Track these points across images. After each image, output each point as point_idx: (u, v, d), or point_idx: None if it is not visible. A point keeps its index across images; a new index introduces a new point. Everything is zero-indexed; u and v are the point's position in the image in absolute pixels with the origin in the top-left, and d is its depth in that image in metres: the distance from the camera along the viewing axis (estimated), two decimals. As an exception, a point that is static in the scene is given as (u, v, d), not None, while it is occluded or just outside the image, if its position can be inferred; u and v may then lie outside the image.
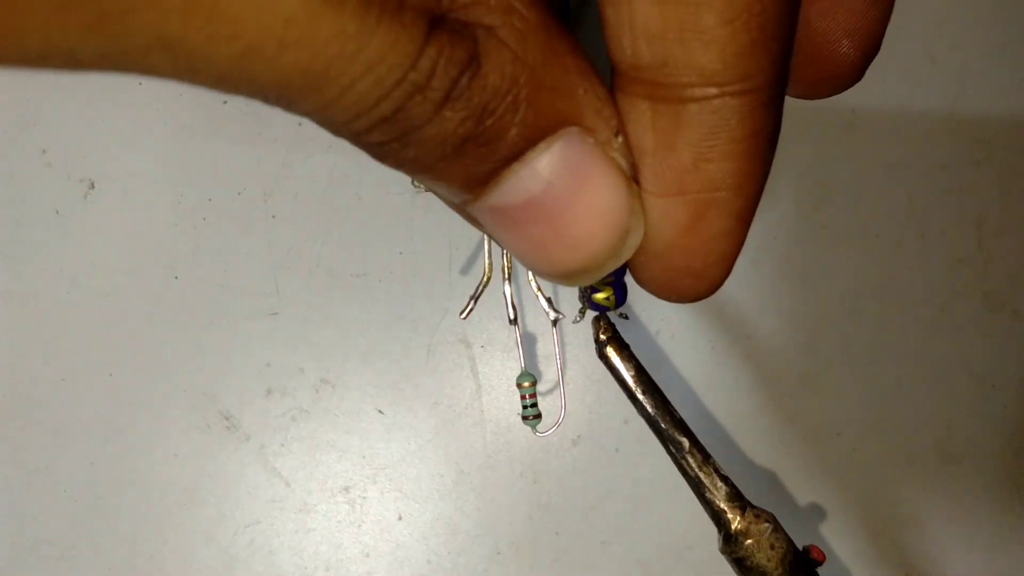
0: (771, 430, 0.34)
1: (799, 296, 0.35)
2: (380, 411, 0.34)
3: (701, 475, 0.25)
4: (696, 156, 0.14)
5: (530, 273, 0.24)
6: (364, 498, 0.34)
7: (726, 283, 0.36)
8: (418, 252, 0.34)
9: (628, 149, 0.15)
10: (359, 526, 0.33)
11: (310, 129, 0.36)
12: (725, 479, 0.25)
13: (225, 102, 0.33)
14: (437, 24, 0.12)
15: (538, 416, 0.27)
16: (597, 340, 0.25)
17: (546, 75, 0.13)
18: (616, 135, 0.15)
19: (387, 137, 0.13)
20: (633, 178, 0.15)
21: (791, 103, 0.36)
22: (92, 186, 0.33)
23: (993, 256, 0.35)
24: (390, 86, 0.12)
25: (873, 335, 0.35)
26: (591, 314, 0.24)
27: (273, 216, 0.34)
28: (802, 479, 0.34)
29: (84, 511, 0.33)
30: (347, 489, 0.33)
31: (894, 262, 0.35)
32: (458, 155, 0.13)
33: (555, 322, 0.24)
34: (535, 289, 0.23)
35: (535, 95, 0.13)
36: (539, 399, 0.33)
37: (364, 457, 0.34)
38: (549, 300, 0.23)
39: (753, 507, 0.25)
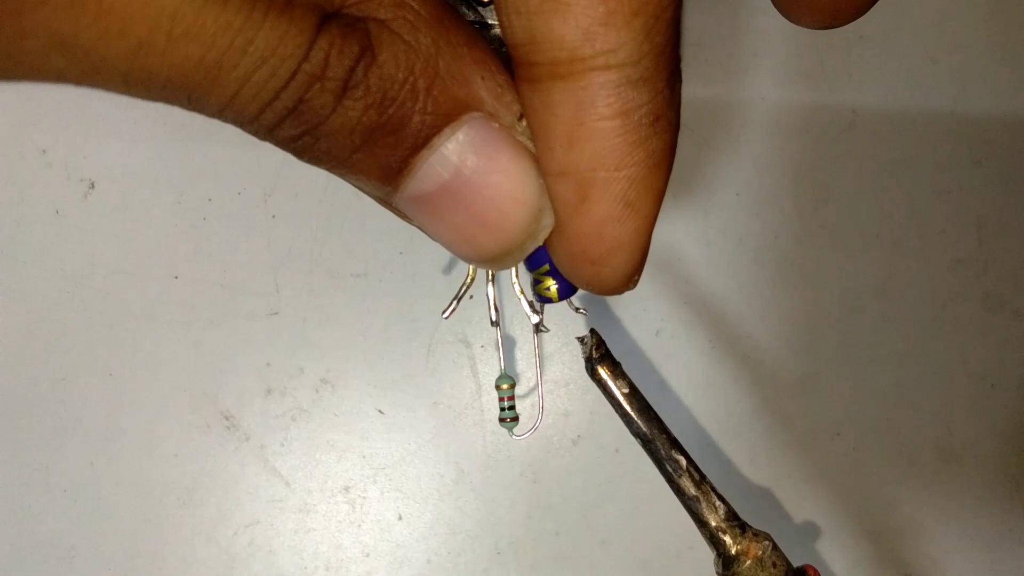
0: (771, 430, 0.34)
1: (799, 296, 0.35)
2: (380, 411, 0.34)
3: (699, 495, 0.24)
4: (569, 135, 0.15)
5: (513, 275, 0.23)
6: (364, 498, 0.34)
7: (726, 283, 0.36)
8: (418, 252, 0.34)
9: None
10: (359, 526, 0.33)
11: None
12: (722, 499, 0.24)
13: (225, 102, 0.33)
14: (328, 19, 0.13)
15: (515, 419, 0.27)
16: (589, 358, 0.24)
17: (442, 64, 0.14)
18: (520, 119, 0.15)
19: (297, 131, 0.14)
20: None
21: (794, 104, 0.36)
22: (92, 186, 0.33)
23: (993, 256, 0.35)
24: (286, 77, 0.13)
25: (873, 335, 0.35)
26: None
27: (273, 216, 0.34)
28: (802, 479, 0.34)
29: (84, 511, 0.33)
30: (347, 489, 0.33)
31: (894, 262, 0.35)
32: (369, 146, 0.14)
33: (536, 326, 0.24)
34: (518, 292, 0.23)
35: (433, 83, 0.14)
36: (540, 400, 0.33)
37: (364, 457, 0.34)
38: (531, 303, 0.23)
39: (751, 527, 0.24)
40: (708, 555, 0.34)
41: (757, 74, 0.35)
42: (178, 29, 0.12)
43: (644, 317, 0.34)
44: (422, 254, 0.34)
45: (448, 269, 0.34)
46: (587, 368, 0.24)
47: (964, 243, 0.35)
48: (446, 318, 0.25)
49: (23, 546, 0.33)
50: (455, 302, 0.24)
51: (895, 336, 0.35)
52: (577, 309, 0.26)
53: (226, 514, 0.33)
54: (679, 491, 0.24)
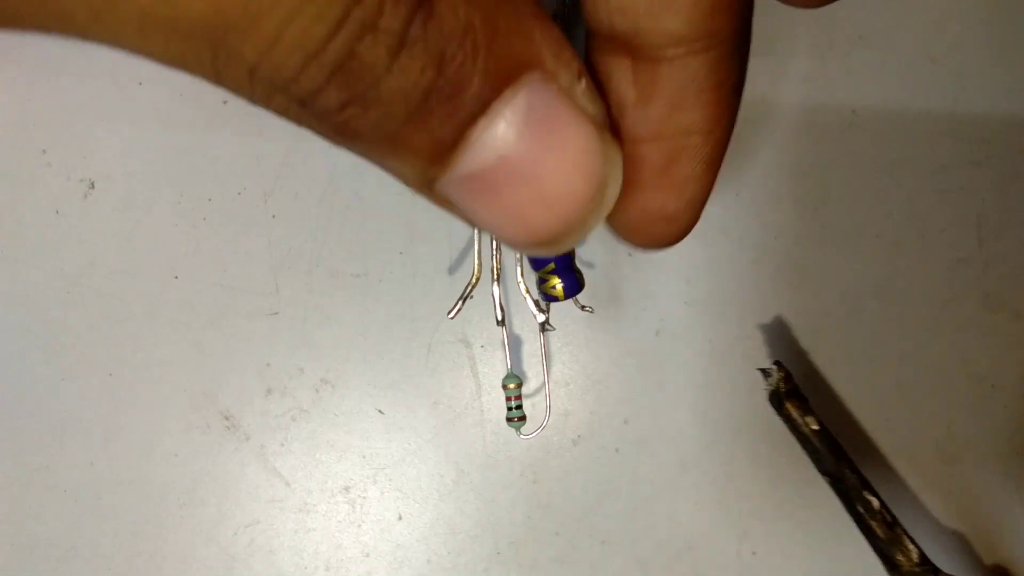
0: (771, 430, 0.34)
1: (799, 296, 0.35)
2: (380, 411, 0.34)
3: (890, 538, 0.23)
4: (671, 106, 0.16)
5: (519, 274, 0.23)
6: (364, 498, 0.34)
7: (726, 283, 0.37)
8: (418, 252, 0.34)
9: (594, 93, 0.15)
10: (359, 526, 0.33)
11: (310, 129, 0.36)
12: (913, 542, 0.23)
13: (225, 102, 0.33)
14: None
15: (523, 418, 0.27)
16: (776, 392, 0.23)
17: (501, 17, 0.12)
18: (579, 79, 0.14)
19: (344, 96, 0.12)
20: (605, 125, 0.15)
21: (794, 104, 0.36)
22: (92, 186, 0.33)
23: (993, 256, 0.35)
24: (334, 22, 0.11)
25: (873, 335, 0.35)
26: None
27: (273, 216, 0.34)
28: (802, 480, 0.34)
29: (84, 511, 0.33)
30: (347, 489, 0.33)
31: (894, 262, 0.35)
32: (423, 114, 0.12)
33: (542, 325, 0.24)
34: (523, 291, 0.23)
35: (493, 39, 0.12)
36: (540, 400, 0.33)
37: (364, 457, 0.34)
38: (536, 302, 0.23)
39: (942, 571, 0.23)
40: (709, 555, 0.34)
41: (757, 74, 0.35)
42: None
43: (644, 317, 0.34)
44: (422, 254, 0.34)
45: (452, 270, 0.34)
46: (772, 402, 0.23)
47: (964, 243, 0.35)
48: (452, 318, 0.25)
49: (23, 546, 0.33)
50: (461, 302, 0.24)
51: (895, 336, 0.35)
52: (583, 307, 0.26)
53: (226, 514, 0.33)
54: (868, 532, 0.23)
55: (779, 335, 0.35)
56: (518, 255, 0.23)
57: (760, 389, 0.34)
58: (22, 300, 0.33)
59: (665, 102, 0.15)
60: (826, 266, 0.35)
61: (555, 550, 0.34)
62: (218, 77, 0.12)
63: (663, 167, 0.16)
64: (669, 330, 0.34)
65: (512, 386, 0.27)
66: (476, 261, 0.24)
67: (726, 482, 0.34)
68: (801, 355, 0.35)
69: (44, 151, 0.33)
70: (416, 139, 0.13)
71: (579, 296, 0.21)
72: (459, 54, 0.12)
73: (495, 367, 0.34)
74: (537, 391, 0.34)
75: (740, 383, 0.34)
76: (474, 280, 0.24)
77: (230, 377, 0.33)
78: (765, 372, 0.23)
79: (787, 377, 0.23)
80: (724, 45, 0.15)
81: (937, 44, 0.35)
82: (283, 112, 0.13)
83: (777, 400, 0.23)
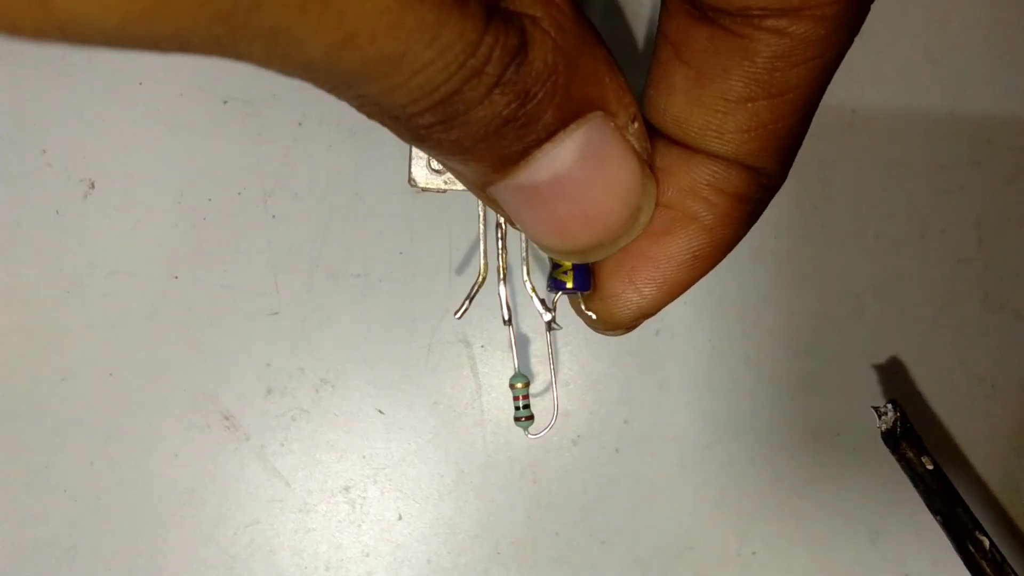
0: (771, 430, 0.34)
1: (799, 296, 0.35)
2: (380, 411, 0.34)
3: None
4: (691, 188, 0.17)
5: (525, 273, 0.24)
6: (364, 498, 0.34)
7: (726, 283, 0.36)
8: (418, 252, 0.34)
9: (643, 134, 0.16)
10: (359, 526, 0.33)
11: (310, 129, 0.36)
12: None
13: (225, 102, 0.33)
14: (491, 14, 0.13)
15: (530, 417, 0.27)
16: (891, 431, 0.23)
17: (580, 63, 0.14)
18: (633, 121, 0.16)
19: (435, 119, 0.13)
20: (648, 162, 0.16)
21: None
22: (92, 186, 0.33)
23: (993, 256, 0.35)
24: (453, 71, 0.12)
25: (873, 335, 0.35)
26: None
27: (273, 216, 0.34)
28: (802, 480, 0.34)
29: (84, 511, 0.33)
30: (347, 489, 0.33)
31: (894, 262, 0.35)
32: (496, 136, 0.14)
33: (549, 324, 0.24)
34: (530, 290, 0.23)
35: (570, 81, 0.14)
36: (540, 400, 0.33)
37: (364, 457, 0.34)
38: (543, 301, 0.23)
39: None
40: (709, 555, 0.34)
41: (757, 74, 0.35)
42: (382, 24, 0.11)
43: (644, 317, 0.34)
44: (422, 254, 0.34)
45: (452, 270, 0.34)
46: (886, 441, 0.23)
47: (964, 243, 0.35)
48: (459, 318, 0.25)
49: (23, 546, 0.33)
50: (468, 302, 0.24)
51: (895, 336, 0.35)
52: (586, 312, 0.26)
53: (226, 514, 0.33)
54: (978, 571, 0.23)
55: (779, 335, 0.35)
56: (524, 254, 0.23)
57: (763, 388, 0.34)
58: (22, 300, 0.33)
59: (688, 183, 0.16)
60: (826, 266, 0.35)
61: (555, 550, 0.34)
62: (331, 92, 0.13)
63: (656, 231, 0.17)
64: (669, 330, 0.34)
65: (520, 385, 0.27)
66: (483, 261, 0.24)
67: (726, 482, 0.34)
68: (801, 355, 0.35)
69: (44, 151, 0.33)
70: (486, 153, 0.14)
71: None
72: (540, 93, 0.14)
73: (495, 367, 0.34)
74: (541, 390, 0.33)
75: (740, 383, 0.34)
76: (480, 280, 0.24)
77: (230, 377, 0.33)
78: (878, 411, 0.23)
79: (903, 416, 0.22)
80: (762, 176, 0.16)
81: (937, 44, 0.35)
82: (371, 116, 0.14)
83: (892, 440, 0.22)
